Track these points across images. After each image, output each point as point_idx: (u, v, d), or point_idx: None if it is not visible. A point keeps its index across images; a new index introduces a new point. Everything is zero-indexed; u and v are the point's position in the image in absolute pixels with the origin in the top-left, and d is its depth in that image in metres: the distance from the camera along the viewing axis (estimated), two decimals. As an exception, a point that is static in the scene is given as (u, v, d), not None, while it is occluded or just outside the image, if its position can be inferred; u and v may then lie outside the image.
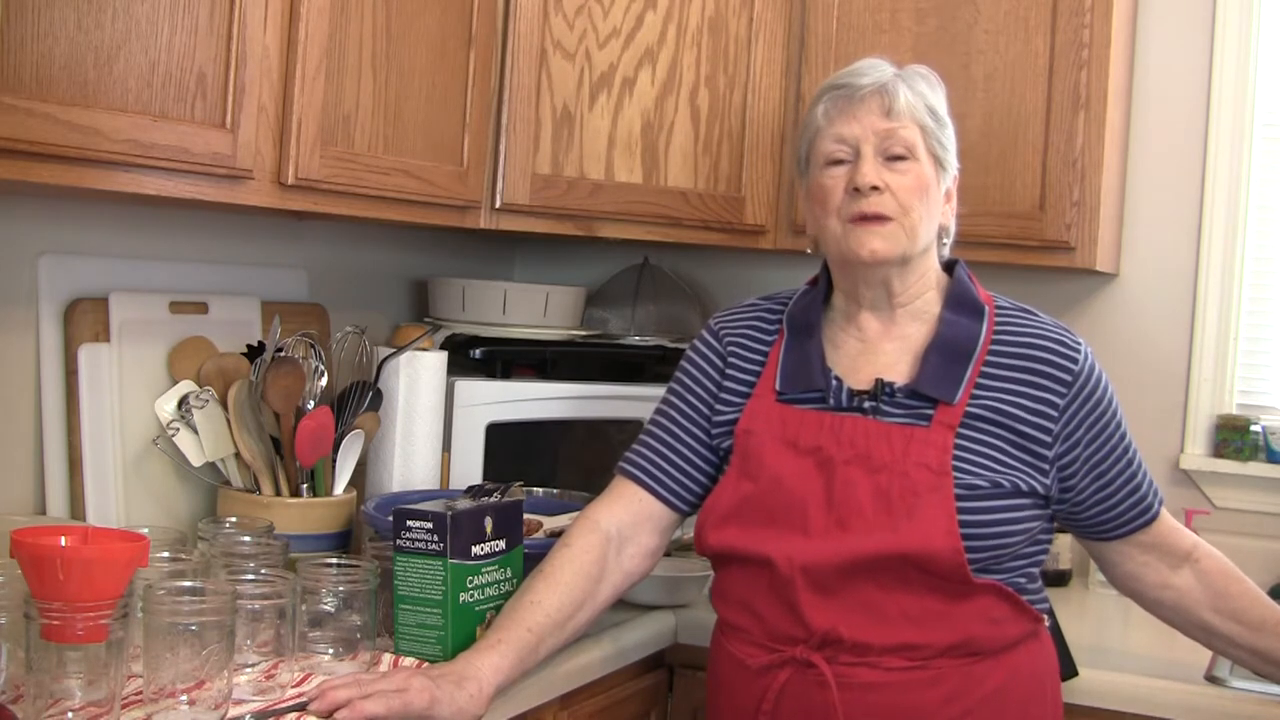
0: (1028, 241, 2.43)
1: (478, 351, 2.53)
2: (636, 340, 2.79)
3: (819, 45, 2.56)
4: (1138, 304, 2.71)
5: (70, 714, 1.46)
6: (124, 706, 1.50)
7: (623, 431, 2.59)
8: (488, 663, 1.69)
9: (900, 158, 1.79)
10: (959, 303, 1.85)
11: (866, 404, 1.80)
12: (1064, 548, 2.59)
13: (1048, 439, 1.78)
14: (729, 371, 1.91)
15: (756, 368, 1.90)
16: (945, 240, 1.89)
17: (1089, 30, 2.39)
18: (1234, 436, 2.61)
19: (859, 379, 1.83)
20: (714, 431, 1.90)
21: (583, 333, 2.73)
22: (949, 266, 1.91)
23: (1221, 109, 2.65)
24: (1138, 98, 2.70)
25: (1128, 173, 2.70)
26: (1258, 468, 2.60)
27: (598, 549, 1.86)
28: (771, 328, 1.92)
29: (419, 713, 1.59)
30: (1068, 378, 1.80)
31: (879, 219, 1.78)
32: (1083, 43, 2.39)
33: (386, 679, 1.61)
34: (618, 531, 1.89)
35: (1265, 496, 2.61)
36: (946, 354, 1.80)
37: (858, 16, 2.54)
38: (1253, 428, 2.61)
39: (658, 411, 1.97)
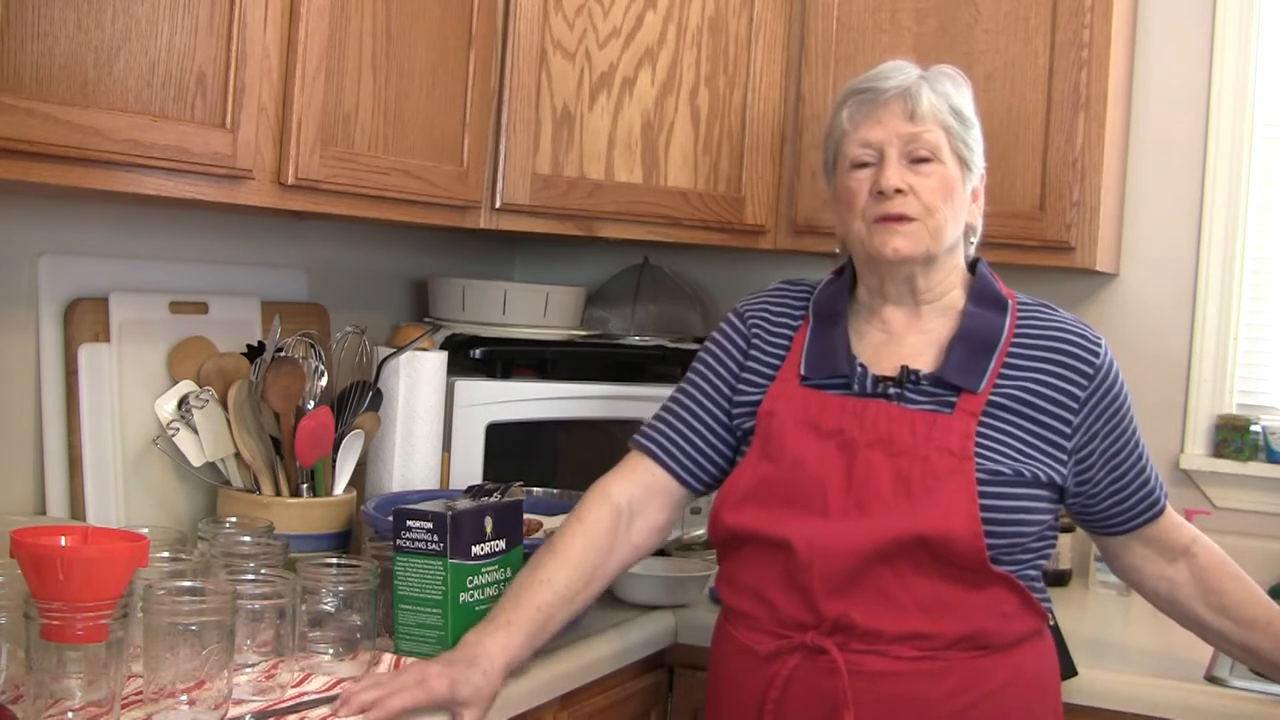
0: (1028, 241, 2.43)
1: (478, 351, 2.53)
2: (636, 340, 2.79)
3: (819, 45, 2.56)
4: (1138, 304, 2.71)
5: (70, 714, 1.46)
6: (124, 706, 1.50)
7: (623, 431, 2.58)
8: (496, 643, 1.72)
9: (924, 160, 1.81)
10: (983, 297, 1.87)
11: (891, 390, 1.81)
12: (1064, 548, 2.59)
13: (1067, 430, 1.80)
14: (752, 353, 1.93)
15: (781, 351, 1.91)
16: (973, 240, 1.92)
17: (1089, 30, 2.39)
18: (1234, 436, 2.61)
19: (883, 367, 1.84)
20: (734, 412, 1.91)
21: (583, 333, 2.73)
22: (972, 264, 1.93)
23: (1221, 109, 2.65)
24: (1138, 98, 2.70)
25: (1128, 173, 2.70)
26: (1258, 468, 2.60)
27: (608, 521, 1.87)
28: (797, 313, 1.94)
29: (442, 698, 1.63)
30: (1089, 370, 1.82)
31: (902, 219, 1.80)
32: (1083, 43, 2.39)
33: (405, 674, 1.64)
34: (628, 504, 1.90)
35: (1265, 496, 2.61)
36: (971, 344, 1.82)
37: (858, 16, 2.54)
38: (1253, 428, 2.61)
39: (677, 389, 1.98)
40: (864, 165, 1.83)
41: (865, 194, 1.82)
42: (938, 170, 1.81)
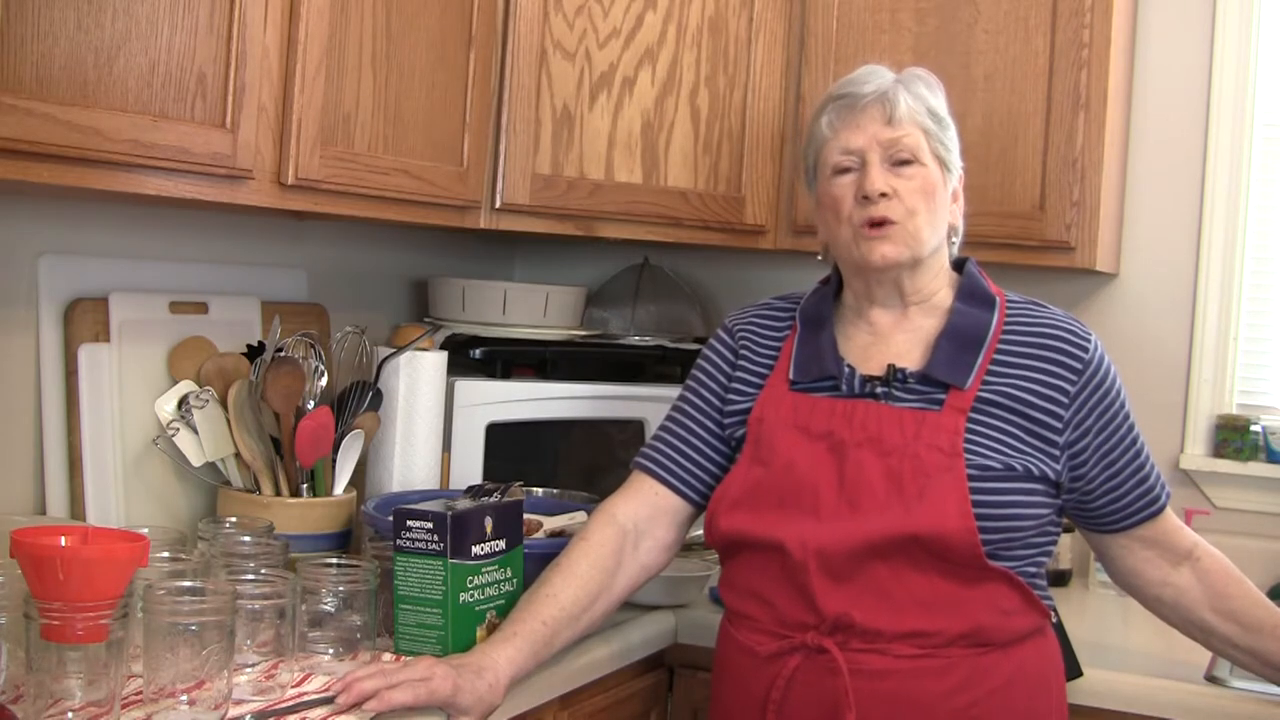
0: (1028, 241, 2.43)
1: (478, 351, 2.53)
2: (636, 340, 2.79)
3: (819, 45, 2.56)
4: (1138, 304, 2.71)
5: (70, 714, 1.46)
6: (124, 706, 1.50)
7: (623, 431, 2.59)
8: (503, 655, 1.72)
9: (906, 162, 1.82)
10: (970, 295, 1.88)
11: (879, 389, 1.82)
12: (1064, 548, 2.60)
13: (1058, 425, 1.80)
14: (740, 363, 1.94)
15: (769, 359, 1.92)
16: (954, 239, 1.92)
17: (1089, 30, 2.39)
18: (1234, 436, 2.61)
19: (871, 366, 1.85)
20: (726, 422, 1.92)
21: (583, 333, 2.73)
22: (959, 265, 1.93)
23: (1221, 109, 2.65)
24: (1138, 98, 2.70)
25: (1128, 173, 2.70)
26: (1258, 468, 2.60)
27: (614, 542, 1.88)
28: (784, 323, 1.95)
29: (443, 700, 1.64)
30: (1078, 365, 1.82)
31: (886, 224, 1.81)
32: (1083, 43, 2.39)
33: (410, 668, 1.64)
34: (634, 525, 1.91)
35: (1265, 496, 2.61)
36: (958, 341, 1.83)
37: (858, 16, 2.54)
38: (1253, 428, 2.61)
39: (673, 407, 1.99)
40: (846, 171, 1.85)
41: (850, 199, 1.84)
42: (920, 172, 1.83)
